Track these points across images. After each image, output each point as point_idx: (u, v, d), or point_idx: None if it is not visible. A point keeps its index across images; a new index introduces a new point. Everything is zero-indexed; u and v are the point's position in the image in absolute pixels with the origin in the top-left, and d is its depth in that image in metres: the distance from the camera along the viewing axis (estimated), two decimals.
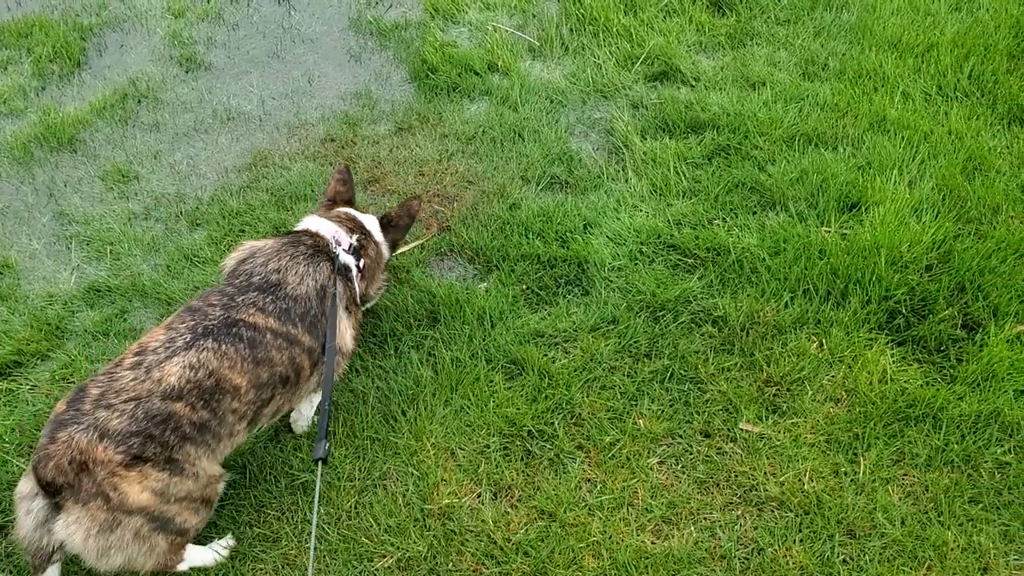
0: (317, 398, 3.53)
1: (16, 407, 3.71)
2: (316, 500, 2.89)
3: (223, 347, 2.95)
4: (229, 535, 3.24)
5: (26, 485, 2.77)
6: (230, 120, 5.31)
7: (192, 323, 2.99)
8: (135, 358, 2.88)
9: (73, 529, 2.70)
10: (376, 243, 3.71)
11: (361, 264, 3.50)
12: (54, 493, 2.69)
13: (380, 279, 3.79)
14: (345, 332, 3.36)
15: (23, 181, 4.89)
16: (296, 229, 3.53)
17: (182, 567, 3.08)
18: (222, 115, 5.34)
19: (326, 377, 3.11)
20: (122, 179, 4.88)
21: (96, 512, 2.70)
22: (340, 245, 3.42)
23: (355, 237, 3.52)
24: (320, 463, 2.95)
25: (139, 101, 5.44)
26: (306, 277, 3.23)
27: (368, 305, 3.89)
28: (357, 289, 3.47)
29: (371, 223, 3.72)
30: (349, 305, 3.41)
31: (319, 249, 3.36)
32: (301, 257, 3.28)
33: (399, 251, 4.19)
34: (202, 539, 3.18)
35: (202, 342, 2.93)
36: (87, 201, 4.76)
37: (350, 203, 3.81)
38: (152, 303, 4.15)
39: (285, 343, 3.09)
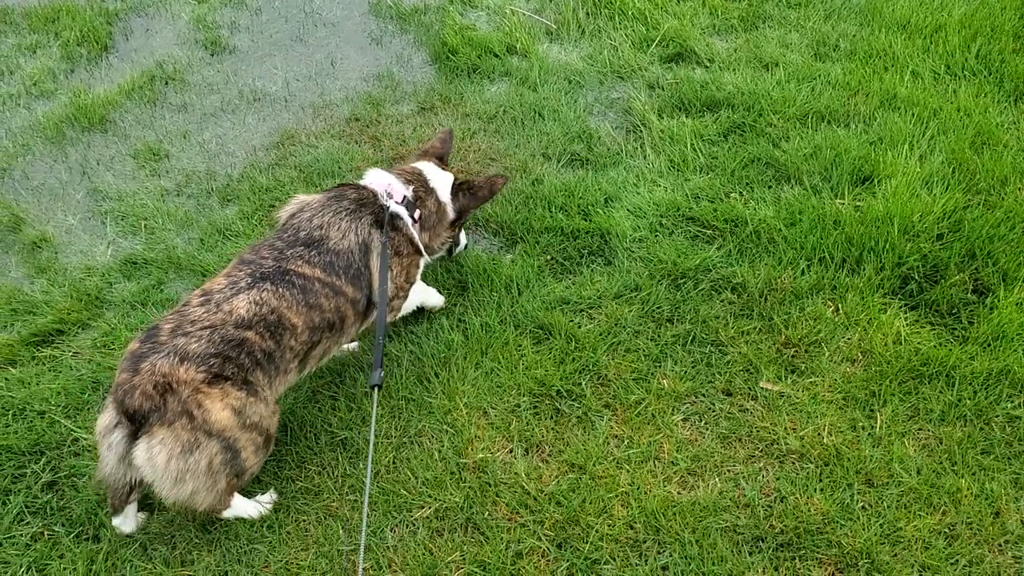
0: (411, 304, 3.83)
1: (61, 372, 3.85)
2: (373, 424, 3.09)
3: (280, 290, 3.17)
4: (272, 491, 3.39)
5: (105, 419, 2.91)
6: (256, 101, 5.45)
7: (250, 271, 3.21)
8: (202, 298, 3.09)
9: (157, 451, 2.83)
10: (439, 199, 3.78)
11: (417, 215, 3.62)
12: (140, 421, 2.83)
13: (443, 235, 3.86)
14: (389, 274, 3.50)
15: (56, 160, 5.03)
16: (348, 183, 3.68)
17: (228, 514, 3.24)
18: (248, 96, 5.48)
19: (380, 312, 3.32)
20: (153, 157, 5.02)
21: (180, 432, 2.85)
22: (392, 196, 3.55)
23: (411, 189, 3.64)
24: (375, 389, 3.17)
25: (166, 83, 5.58)
26: (348, 232, 3.39)
27: (432, 258, 3.99)
28: (415, 234, 3.62)
29: (441, 181, 3.81)
30: (401, 248, 3.56)
31: (363, 203, 3.50)
32: (344, 212, 3.44)
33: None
34: (247, 493, 3.32)
35: (262, 284, 3.16)
36: (120, 178, 4.90)
37: (441, 159, 3.97)
38: (187, 275, 4.29)
39: (332, 292, 3.29)
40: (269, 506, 3.34)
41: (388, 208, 3.51)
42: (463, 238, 4.13)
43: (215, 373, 2.92)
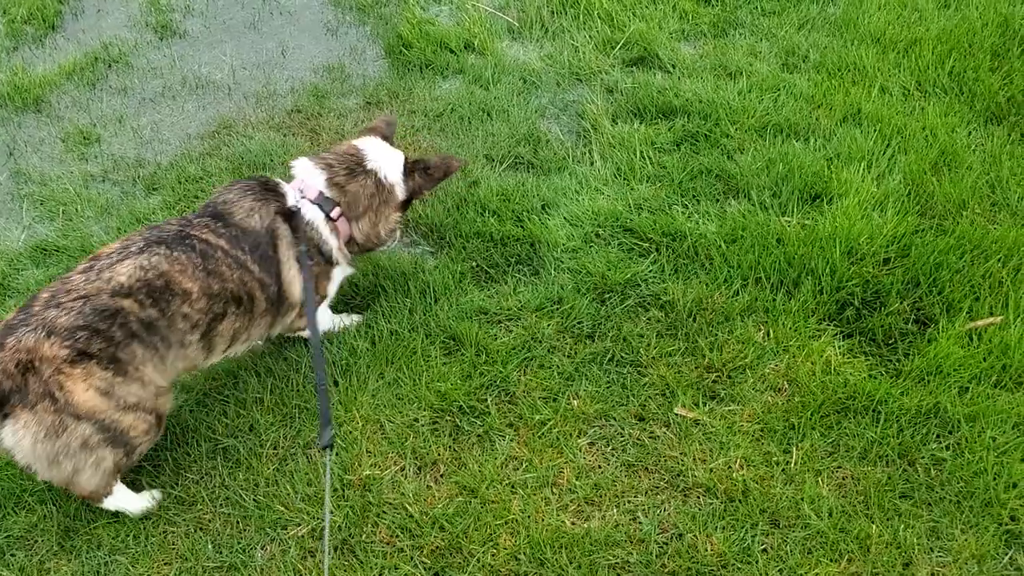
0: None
1: None
2: (327, 490, 2.84)
3: (175, 253, 2.98)
4: (157, 489, 3.18)
5: None
6: (199, 88, 5.26)
7: (147, 235, 3.04)
8: (87, 264, 2.93)
9: (21, 435, 2.68)
10: (379, 180, 3.48)
11: (334, 213, 3.37)
12: (2, 401, 2.66)
13: (391, 217, 3.58)
14: (294, 281, 3.29)
15: None
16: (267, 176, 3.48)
17: (108, 502, 3.04)
18: (191, 83, 5.29)
19: (316, 360, 3.08)
20: (84, 141, 4.84)
21: (43, 415, 2.67)
22: (305, 194, 3.33)
23: (324, 178, 3.39)
24: (327, 450, 2.89)
25: (109, 65, 5.41)
26: (254, 213, 3.21)
27: (386, 247, 3.77)
28: (330, 240, 3.38)
29: (388, 158, 3.53)
30: (300, 257, 3.28)
31: (270, 189, 3.32)
32: (251, 193, 3.26)
33: None
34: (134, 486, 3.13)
35: (155, 248, 2.97)
36: (46, 161, 4.73)
37: (386, 139, 3.66)
38: None
39: (235, 264, 3.11)
40: (153, 504, 3.13)
41: (297, 209, 3.30)
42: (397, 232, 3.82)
43: (80, 350, 2.71)
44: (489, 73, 5.27)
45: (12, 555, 3.05)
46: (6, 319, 2.80)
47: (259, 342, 3.52)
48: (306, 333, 3.53)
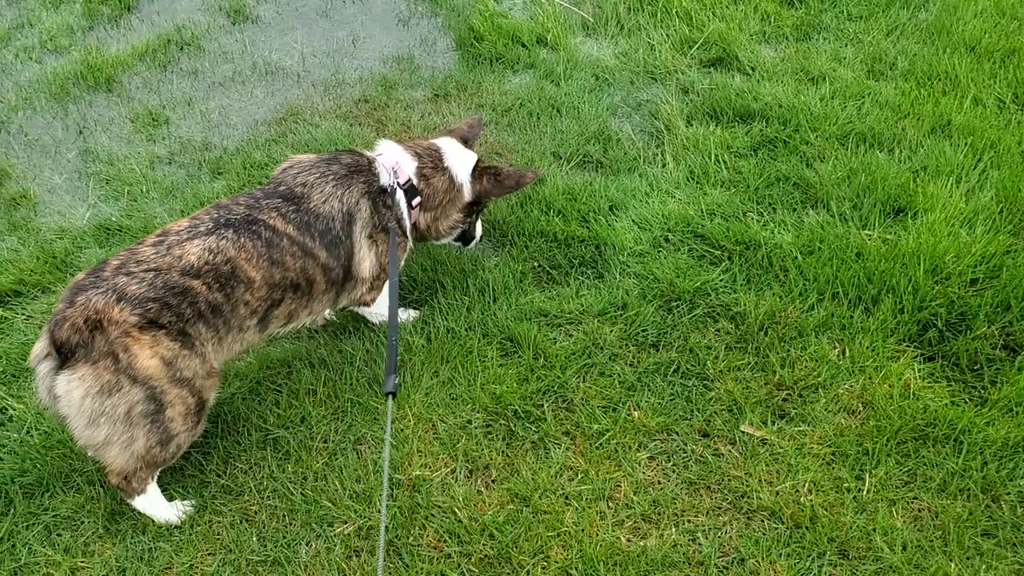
0: (378, 309, 3.58)
1: (8, 335, 3.66)
2: (388, 436, 2.83)
3: (242, 239, 2.99)
4: (190, 502, 3.11)
5: (38, 347, 2.77)
6: (268, 74, 5.23)
7: (216, 215, 3.04)
8: (157, 238, 2.95)
9: (74, 386, 2.69)
10: (452, 178, 3.53)
11: (415, 201, 3.42)
12: (67, 355, 2.70)
13: (453, 217, 3.61)
14: (364, 260, 3.31)
15: (56, 116, 4.88)
16: (348, 149, 3.49)
17: (139, 500, 2.99)
18: (261, 68, 5.27)
19: (391, 310, 3.10)
20: (152, 123, 4.84)
21: (102, 371, 2.70)
22: (398, 174, 3.35)
23: (415, 165, 3.43)
24: (390, 397, 2.89)
25: (182, 48, 5.41)
26: (332, 198, 3.20)
27: (439, 242, 3.79)
28: (406, 217, 3.40)
29: (461, 160, 3.57)
30: (375, 233, 3.31)
31: (356, 170, 3.29)
32: (332, 177, 3.24)
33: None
34: (167, 496, 3.08)
35: (223, 231, 2.98)
36: (114, 141, 4.73)
37: (466, 142, 3.70)
38: None
39: (300, 252, 3.10)
40: (183, 517, 3.06)
41: (391, 187, 3.31)
42: (479, 229, 3.85)
43: (150, 319, 2.76)
44: (561, 69, 5.14)
45: (58, 535, 3.01)
46: (75, 280, 2.82)
47: (326, 315, 3.60)
48: (368, 308, 3.56)
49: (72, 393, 2.69)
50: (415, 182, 3.41)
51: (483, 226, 3.99)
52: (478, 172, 3.58)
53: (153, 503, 3.01)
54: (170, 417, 2.84)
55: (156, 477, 3.01)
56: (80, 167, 4.57)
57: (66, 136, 4.75)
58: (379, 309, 3.57)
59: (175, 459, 2.99)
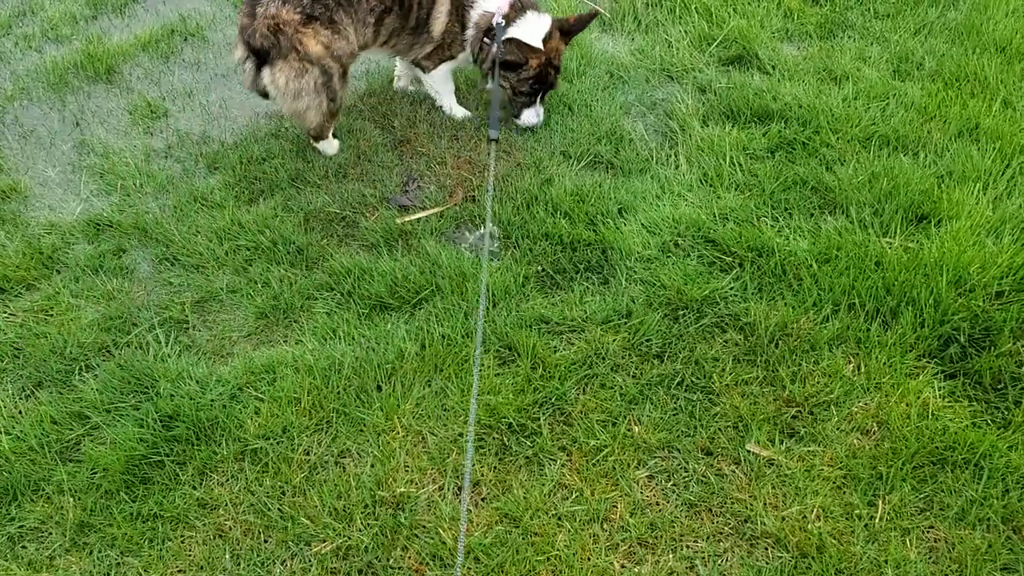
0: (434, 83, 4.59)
1: None
2: (491, 175, 3.88)
3: None
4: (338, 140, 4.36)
5: (237, 53, 3.95)
6: None
7: None
8: None
9: (279, 76, 3.85)
10: (464, 22, 4.33)
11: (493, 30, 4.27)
12: (263, 56, 3.83)
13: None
14: (439, 17, 4.24)
15: (52, 107, 4.76)
16: None
17: (323, 144, 4.32)
18: None
19: (496, 74, 4.22)
20: (151, 115, 4.71)
21: (293, 62, 3.82)
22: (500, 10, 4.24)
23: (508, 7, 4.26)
24: (493, 143, 4.10)
25: (185, 39, 5.28)
26: None
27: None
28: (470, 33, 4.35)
29: (533, 28, 4.29)
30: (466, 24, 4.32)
31: None
32: None
33: (413, 217, 3.98)
34: None
35: None
36: (111, 133, 4.60)
37: (563, 31, 4.38)
38: (151, 243, 3.94)
39: None
40: (340, 148, 4.41)
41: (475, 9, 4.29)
42: (532, 116, 4.48)
43: (308, 14, 3.77)
44: (574, 65, 4.96)
45: (23, 547, 2.87)
46: None
47: (401, 58, 4.63)
48: (424, 75, 4.54)
49: (278, 81, 3.85)
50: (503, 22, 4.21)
51: (544, 113, 4.53)
52: (559, 31, 4.34)
53: (331, 144, 4.36)
54: (335, 81, 3.98)
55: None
56: (74, 160, 4.44)
57: (62, 128, 4.63)
58: (435, 84, 4.54)
59: (340, 111, 4.23)
